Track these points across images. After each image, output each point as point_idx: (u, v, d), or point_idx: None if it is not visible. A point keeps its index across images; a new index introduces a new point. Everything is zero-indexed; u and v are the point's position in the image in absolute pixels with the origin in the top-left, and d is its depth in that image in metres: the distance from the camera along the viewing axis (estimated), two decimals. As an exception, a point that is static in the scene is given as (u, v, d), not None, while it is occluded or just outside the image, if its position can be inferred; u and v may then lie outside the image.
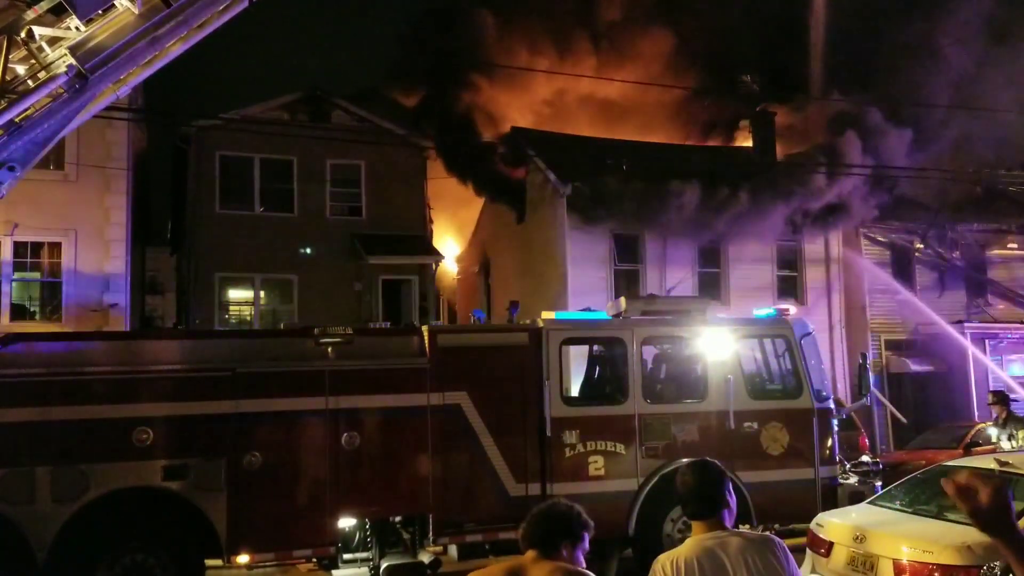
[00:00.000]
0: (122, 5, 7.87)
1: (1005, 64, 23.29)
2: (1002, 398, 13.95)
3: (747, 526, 10.31)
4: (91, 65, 7.76)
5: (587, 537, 3.77)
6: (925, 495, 8.72)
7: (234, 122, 22.98)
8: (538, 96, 27.57)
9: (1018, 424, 13.23)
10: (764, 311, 12.32)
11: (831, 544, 8.15)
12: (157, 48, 8.24)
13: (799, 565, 4.06)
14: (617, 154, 22.67)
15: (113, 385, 9.28)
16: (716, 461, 4.11)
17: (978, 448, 17.06)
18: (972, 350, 22.99)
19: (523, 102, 27.02)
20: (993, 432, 13.90)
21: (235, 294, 24.09)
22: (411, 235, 24.10)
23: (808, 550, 8.48)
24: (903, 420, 22.21)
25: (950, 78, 22.88)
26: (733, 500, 3.97)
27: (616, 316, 11.73)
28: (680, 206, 20.27)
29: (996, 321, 24.36)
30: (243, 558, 9.49)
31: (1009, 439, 13.16)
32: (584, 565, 3.72)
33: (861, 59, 24.71)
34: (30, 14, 7.70)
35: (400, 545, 10.39)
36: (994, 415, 14.11)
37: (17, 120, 7.61)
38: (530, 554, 3.67)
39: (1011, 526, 2.73)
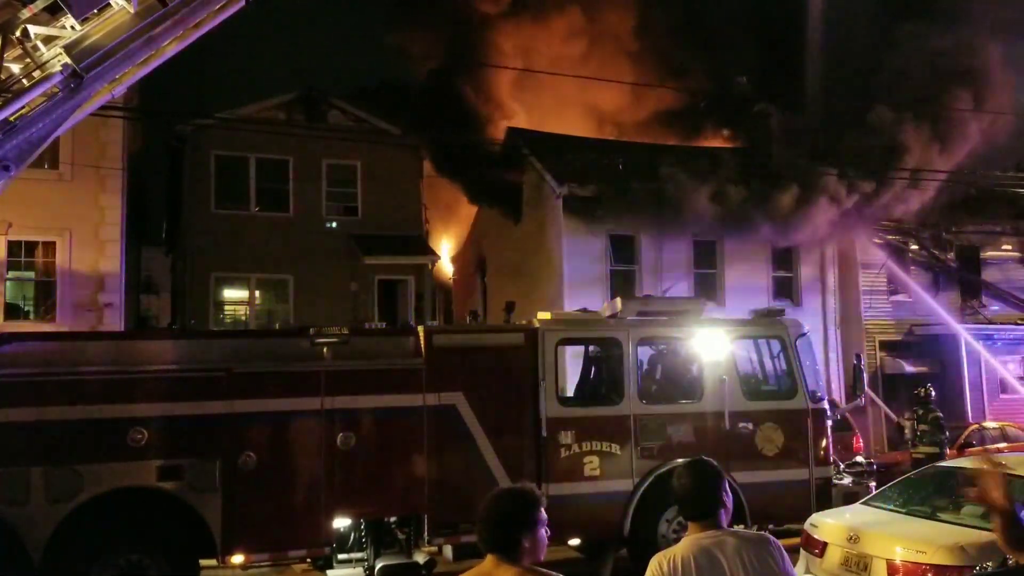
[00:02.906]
0: (118, 4, 7.87)
1: (1001, 64, 23.31)
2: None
3: (742, 526, 10.31)
4: (86, 64, 7.76)
5: (543, 512, 3.59)
6: (919, 496, 8.75)
7: (230, 121, 22.95)
8: (534, 96, 27.57)
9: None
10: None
11: (825, 544, 8.17)
12: (153, 47, 8.24)
13: (794, 565, 4.06)
14: (613, 154, 22.68)
15: (108, 385, 9.25)
16: (712, 460, 4.11)
17: (972, 448, 17.14)
18: (979, 348, 23.03)
19: (519, 102, 27.04)
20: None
21: (230, 294, 24.06)
22: (407, 235, 24.08)
23: (802, 550, 8.50)
24: (897, 420, 22.24)
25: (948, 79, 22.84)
26: (730, 500, 3.97)
27: (612, 317, 11.73)
28: (675, 206, 20.28)
29: (990, 322, 24.41)
30: (238, 558, 9.47)
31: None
32: (546, 541, 3.58)
33: (858, 60, 24.68)
34: (25, 13, 7.69)
35: (395, 545, 10.39)
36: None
37: (12, 119, 7.61)
38: (491, 559, 3.55)
39: None
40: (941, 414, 15.10)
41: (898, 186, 21.98)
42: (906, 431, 15.08)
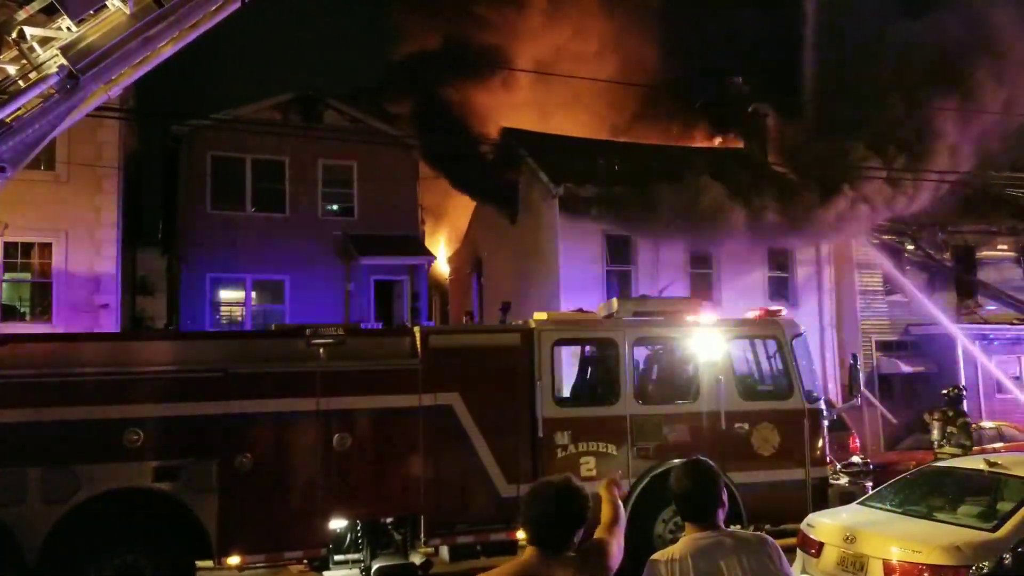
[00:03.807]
0: (114, 5, 7.87)
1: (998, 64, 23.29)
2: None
3: (738, 526, 10.32)
4: (82, 65, 7.77)
5: None
6: (915, 495, 8.77)
7: (226, 122, 22.94)
8: (530, 95, 27.59)
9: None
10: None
11: (821, 544, 8.18)
12: (149, 48, 8.25)
13: (790, 565, 4.07)
14: (609, 155, 22.69)
15: (104, 386, 9.24)
16: (709, 460, 4.11)
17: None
18: (972, 349, 23.03)
19: (515, 101, 27.03)
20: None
21: (226, 294, 24.03)
22: (403, 235, 24.07)
23: (799, 550, 8.51)
24: (893, 420, 22.28)
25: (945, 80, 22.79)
26: (726, 498, 3.99)
27: (608, 317, 11.74)
28: (672, 210, 20.25)
29: (986, 322, 24.45)
30: (234, 559, 9.46)
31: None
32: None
33: (855, 60, 24.64)
34: (21, 14, 7.71)
35: (391, 546, 10.37)
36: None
37: (8, 120, 7.61)
38: (536, 553, 3.52)
39: None
40: (971, 419, 15.15)
41: (917, 185, 21.93)
42: (934, 431, 15.03)
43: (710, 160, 23.33)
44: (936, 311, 23.43)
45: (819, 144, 22.42)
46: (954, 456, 13.40)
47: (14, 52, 7.82)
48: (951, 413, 15.03)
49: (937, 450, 14.77)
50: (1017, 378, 24.22)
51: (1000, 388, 23.78)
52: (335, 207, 24.30)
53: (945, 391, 15.55)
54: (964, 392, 15.59)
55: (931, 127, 22.09)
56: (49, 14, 7.77)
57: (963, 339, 23.09)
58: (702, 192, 20.08)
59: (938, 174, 21.89)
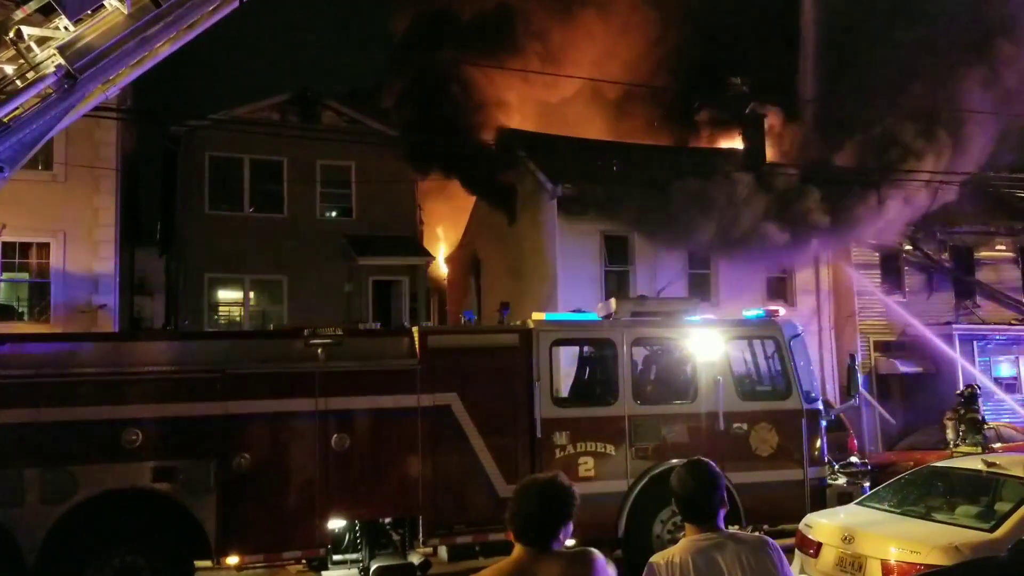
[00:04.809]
0: (111, 5, 7.87)
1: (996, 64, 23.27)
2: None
3: (736, 527, 10.33)
4: (80, 65, 7.76)
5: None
6: (913, 496, 8.78)
7: (224, 123, 22.92)
8: (527, 95, 27.54)
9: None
10: (753, 312, 12.36)
11: (820, 545, 8.19)
12: (146, 48, 8.24)
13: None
14: (608, 155, 22.68)
15: (102, 386, 9.24)
16: (710, 460, 4.10)
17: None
18: (956, 356, 23.00)
19: (512, 100, 26.99)
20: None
21: (224, 295, 24.03)
22: (401, 236, 24.07)
23: (797, 551, 8.53)
24: (892, 421, 22.30)
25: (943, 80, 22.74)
26: (726, 498, 3.98)
27: (606, 317, 11.74)
28: (670, 211, 20.21)
29: (984, 322, 24.46)
30: (233, 559, 9.46)
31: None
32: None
33: (853, 60, 24.58)
34: (19, 14, 7.70)
35: (390, 546, 10.39)
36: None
37: (5, 120, 7.60)
38: (525, 550, 3.55)
39: None
40: (979, 415, 15.19)
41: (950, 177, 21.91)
42: (947, 431, 15.12)
43: (713, 160, 23.28)
44: (908, 315, 23.45)
45: (867, 137, 22.10)
46: (968, 455, 13.45)
47: (11, 52, 7.81)
48: (962, 411, 15.09)
49: (953, 449, 14.82)
50: (1015, 378, 24.23)
51: (992, 390, 23.79)
52: (333, 207, 24.31)
53: (959, 391, 15.59)
54: (979, 391, 15.61)
55: (961, 113, 21.98)
56: (46, 14, 7.77)
57: (938, 342, 23.08)
58: (747, 205, 19.85)
59: (957, 171, 21.86)
